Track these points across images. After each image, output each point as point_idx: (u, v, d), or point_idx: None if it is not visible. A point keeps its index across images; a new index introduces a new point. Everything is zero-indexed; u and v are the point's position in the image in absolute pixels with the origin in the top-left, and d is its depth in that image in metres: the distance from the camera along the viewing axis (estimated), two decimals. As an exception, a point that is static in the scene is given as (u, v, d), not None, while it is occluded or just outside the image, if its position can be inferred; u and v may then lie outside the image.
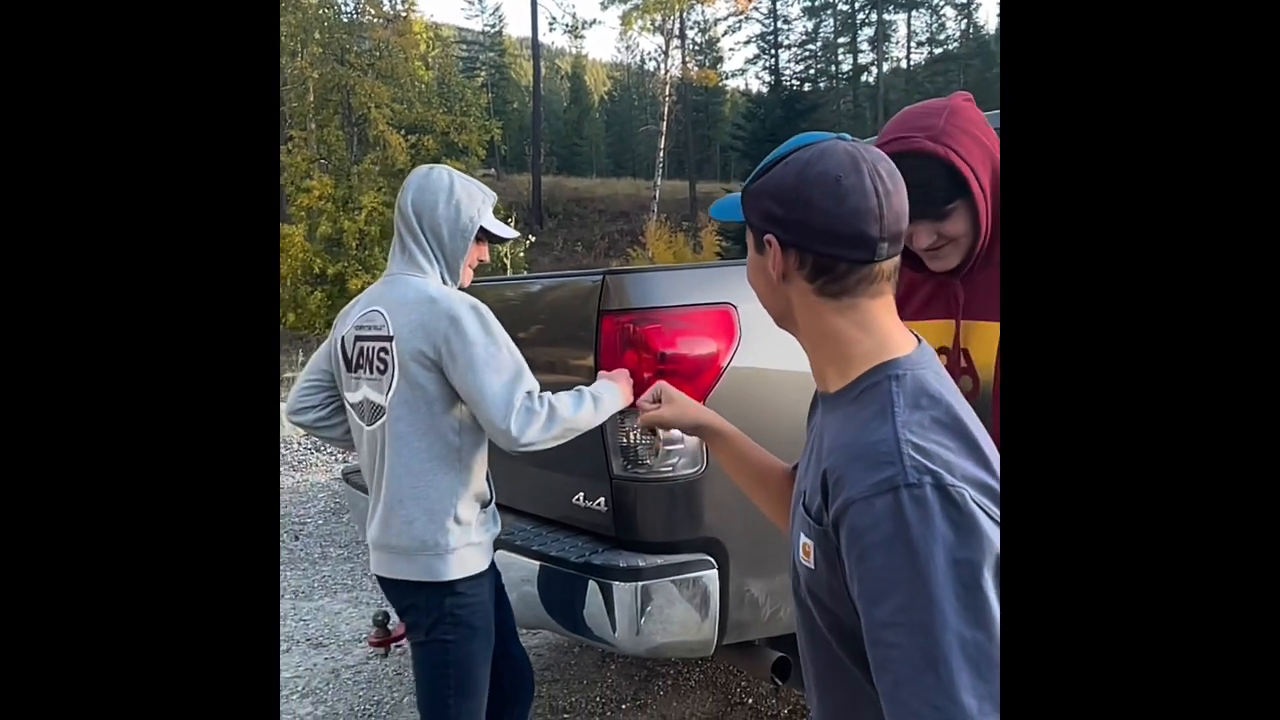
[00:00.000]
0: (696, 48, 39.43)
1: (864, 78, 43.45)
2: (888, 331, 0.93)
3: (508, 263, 12.53)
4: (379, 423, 1.84)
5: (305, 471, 6.92)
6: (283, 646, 3.57)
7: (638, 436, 1.99)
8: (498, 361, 1.73)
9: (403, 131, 20.05)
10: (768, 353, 1.99)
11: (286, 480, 6.60)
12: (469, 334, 1.73)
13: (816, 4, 41.77)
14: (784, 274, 0.94)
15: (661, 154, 29.48)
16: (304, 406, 2.01)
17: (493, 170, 34.66)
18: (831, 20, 42.51)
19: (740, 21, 39.57)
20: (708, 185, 35.62)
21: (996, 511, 0.80)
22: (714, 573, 2.02)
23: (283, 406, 2.44)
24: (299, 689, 3.22)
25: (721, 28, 40.61)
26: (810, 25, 42.66)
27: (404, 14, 21.77)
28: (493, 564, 1.92)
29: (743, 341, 2.03)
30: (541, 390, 1.76)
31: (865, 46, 43.13)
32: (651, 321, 1.99)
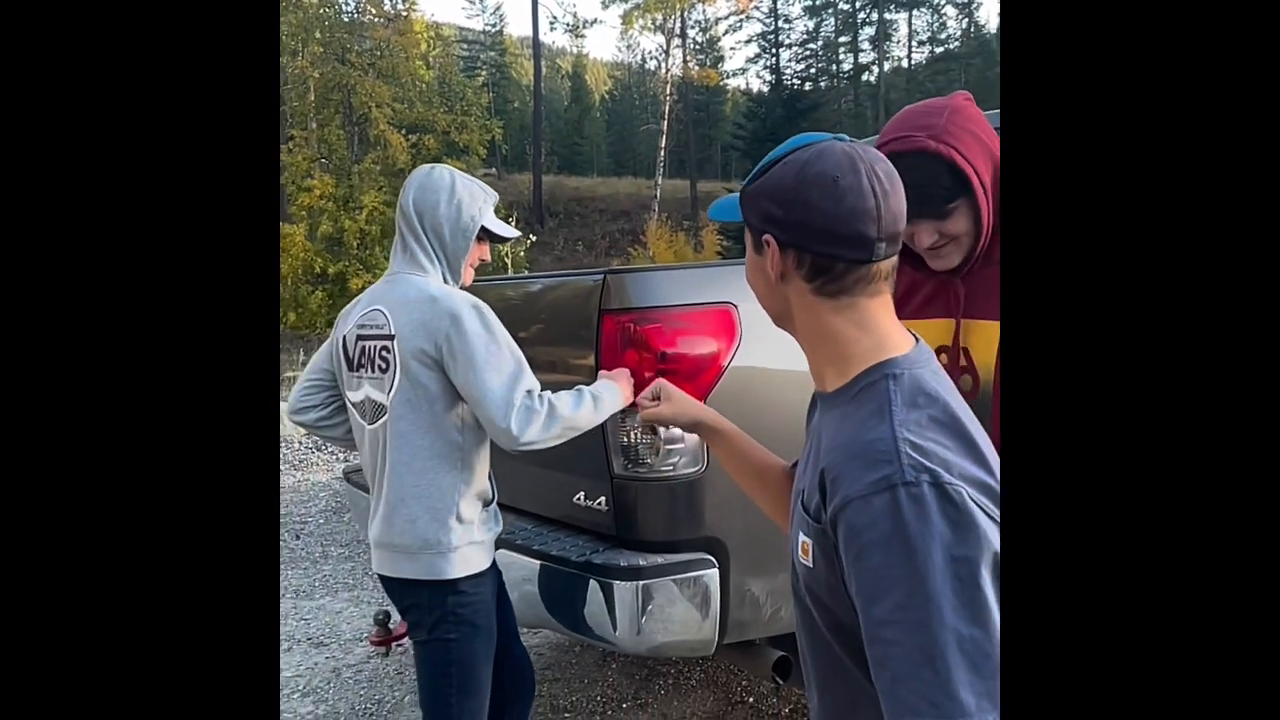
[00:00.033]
0: (697, 47, 39.45)
1: (865, 77, 43.45)
2: (885, 331, 0.93)
3: (509, 262, 12.54)
4: (380, 421, 1.84)
5: (306, 471, 6.93)
6: (284, 645, 3.58)
7: (638, 436, 2.00)
8: (498, 360, 1.73)
9: (404, 131, 20.07)
10: (768, 352, 2.00)
11: (287, 479, 6.61)
12: (470, 333, 1.73)
13: (817, 3, 41.77)
14: (782, 274, 0.94)
15: (662, 153, 29.51)
16: (305, 406, 2.02)
17: (493, 169, 34.67)
18: (832, 19, 42.52)
19: (741, 21, 39.63)
20: (709, 184, 35.61)
21: (994, 509, 0.80)
22: (715, 572, 2.03)
23: (284, 406, 2.45)
24: (300, 688, 3.23)
25: (722, 27, 40.67)
26: (811, 24, 42.71)
27: (405, 13, 21.80)
28: (494, 563, 1.92)
29: (743, 341, 2.04)
30: (542, 389, 1.76)
31: (866, 46, 43.14)
32: (652, 321, 2.00)
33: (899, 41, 45.32)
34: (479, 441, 1.85)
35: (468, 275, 1.94)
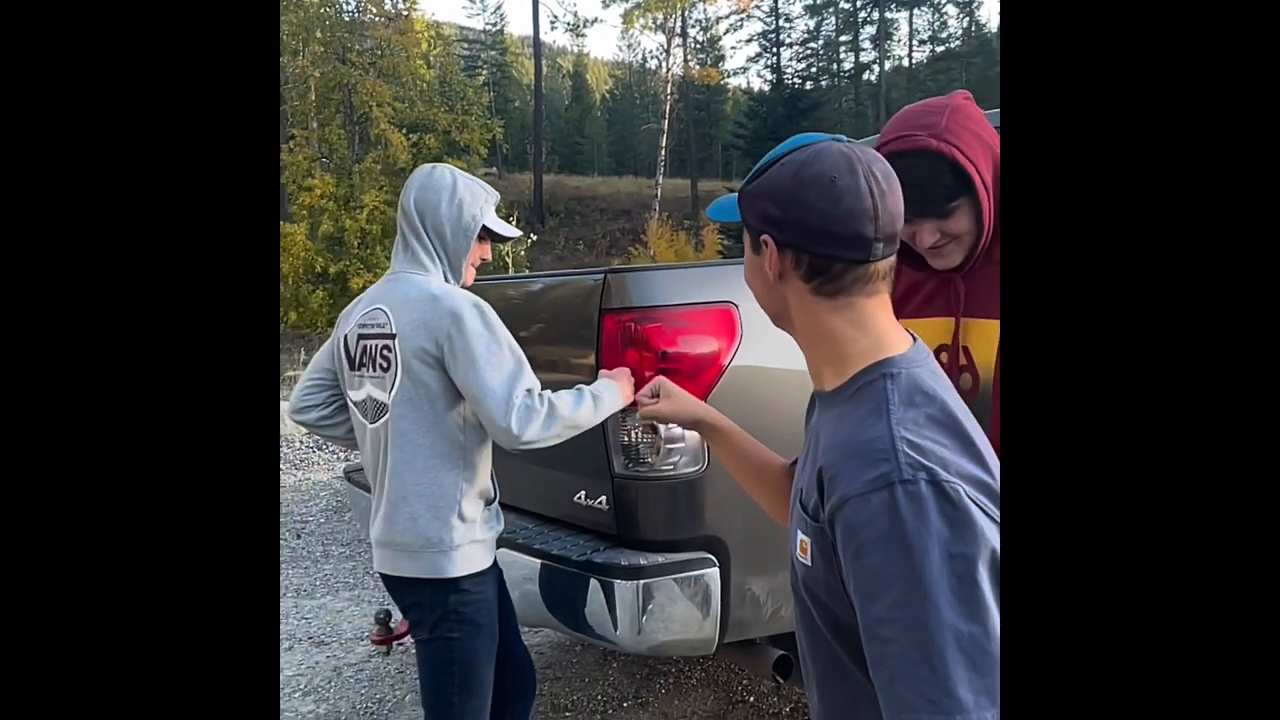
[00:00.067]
0: (698, 46, 39.44)
1: (866, 76, 43.42)
2: (883, 330, 0.94)
3: (510, 261, 12.53)
4: (382, 420, 1.84)
5: (307, 470, 6.93)
6: (284, 645, 3.58)
7: (639, 435, 2.00)
8: (499, 359, 1.74)
9: (404, 130, 20.09)
10: (769, 351, 2.00)
11: (288, 478, 6.61)
12: (470, 332, 1.74)
13: (818, 2, 41.73)
14: (780, 274, 0.94)
15: (663, 152, 29.51)
16: (307, 405, 2.02)
17: (494, 169, 34.68)
18: (833, 18, 42.47)
19: (742, 20, 39.61)
20: (709, 184, 35.59)
21: (991, 507, 0.81)
22: (715, 571, 2.03)
23: (285, 405, 2.45)
24: (301, 687, 3.23)
25: (723, 26, 40.65)
26: (812, 23, 42.67)
27: (405, 13, 21.82)
28: (496, 561, 1.92)
29: (744, 340, 2.04)
30: (542, 389, 1.77)
31: (867, 45, 43.11)
32: (653, 320, 2.00)
33: (900, 41, 45.33)
34: (481, 440, 1.85)
35: (469, 274, 1.95)
